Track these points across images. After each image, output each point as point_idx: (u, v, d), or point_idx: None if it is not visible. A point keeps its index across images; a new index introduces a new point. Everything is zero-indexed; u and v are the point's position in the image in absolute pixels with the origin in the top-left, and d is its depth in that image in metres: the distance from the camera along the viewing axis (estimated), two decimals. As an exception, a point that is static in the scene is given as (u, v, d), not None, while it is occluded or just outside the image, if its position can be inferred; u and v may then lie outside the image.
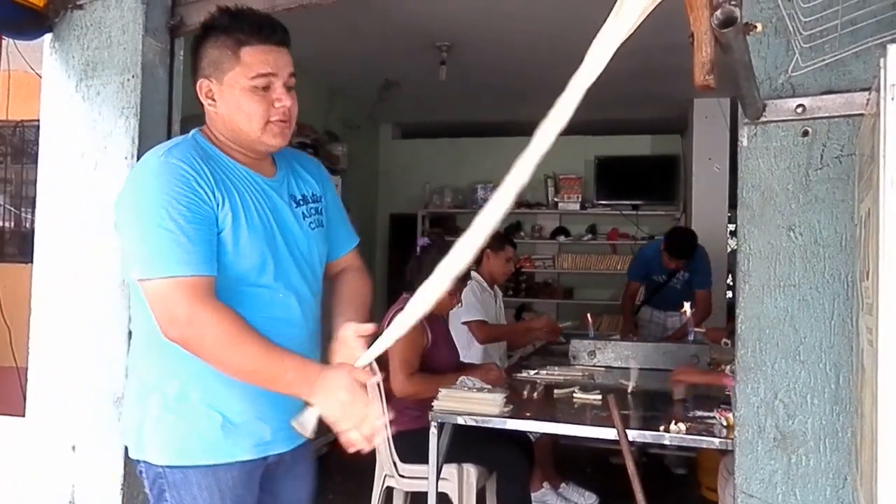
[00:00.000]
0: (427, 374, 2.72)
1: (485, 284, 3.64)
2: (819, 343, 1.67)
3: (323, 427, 1.32)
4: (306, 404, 1.32)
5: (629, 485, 2.07)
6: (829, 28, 1.60)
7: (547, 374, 3.09)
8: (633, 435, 2.15)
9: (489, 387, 2.52)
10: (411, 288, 2.95)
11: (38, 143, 2.43)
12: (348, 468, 3.51)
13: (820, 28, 1.60)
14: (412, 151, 6.92)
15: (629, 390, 2.75)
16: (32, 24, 2.35)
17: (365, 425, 1.28)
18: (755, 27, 1.18)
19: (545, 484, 3.48)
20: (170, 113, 2.38)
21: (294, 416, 1.40)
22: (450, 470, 2.66)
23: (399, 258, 5.52)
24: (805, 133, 1.69)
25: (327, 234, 1.56)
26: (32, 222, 2.53)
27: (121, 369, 2.20)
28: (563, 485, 3.55)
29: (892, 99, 1.04)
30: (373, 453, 2.88)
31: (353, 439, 1.29)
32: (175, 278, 1.26)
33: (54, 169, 2.38)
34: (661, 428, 2.15)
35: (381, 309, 3.03)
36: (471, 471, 2.71)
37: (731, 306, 4.64)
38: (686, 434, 2.12)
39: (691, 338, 3.64)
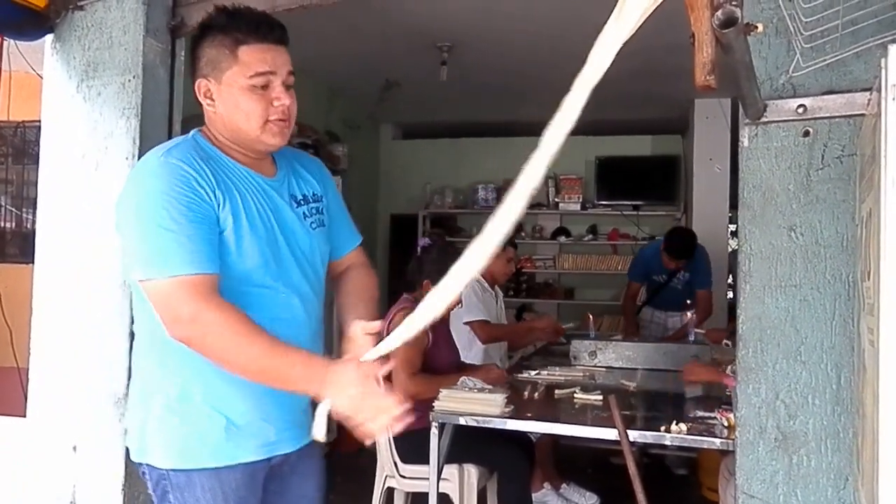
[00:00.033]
0: (428, 375, 2.72)
1: (486, 285, 3.64)
2: (820, 343, 1.66)
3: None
4: (313, 405, 1.31)
5: (630, 485, 2.07)
6: (830, 28, 1.60)
7: (548, 374, 3.09)
8: (633, 435, 2.15)
9: (490, 387, 2.52)
10: (412, 288, 2.97)
11: (39, 144, 2.44)
12: (349, 469, 3.51)
13: (821, 28, 1.60)
14: (413, 152, 6.92)
15: (631, 390, 2.75)
16: (33, 25, 2.35)
17: (380, 417, 1.26)
18: (756, 27, 1.17)
19: (546, 484, 3.48)
20: (171, 113, 2.38)
21: (298, 416, 1.40)
22: (451, 470, 2.66)
23: (400, 259, 5.53)
24: (806, 133, 1.69)
25: (330, 234, 1.56)
26: (33, 223, 2.54)
27: (122, 370, 2.20)
28: (563, 485, 3.55)
29: (893, 99, 1.04)
30: (374, 454, 2.89)
31: (369, 431, 1.27)
32: (178, 277, 1.26)
33: (55, 169, 2.38)
34: (662, 428, 2.15)
35: (381, 310, 3.02)
36: (472, 471, 2.71)
37: (731, 306, 4.65)
38: (687, 434, 2.11)
39: (692, 338, 3.64)
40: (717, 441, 2.10)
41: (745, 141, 1.75)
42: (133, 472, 2.17)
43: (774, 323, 1.70)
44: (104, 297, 2.25)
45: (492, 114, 6.16)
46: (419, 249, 3.04)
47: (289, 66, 1.41)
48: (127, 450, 1.50)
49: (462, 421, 2.34)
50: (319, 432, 1.31)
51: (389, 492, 2.83)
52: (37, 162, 2.45)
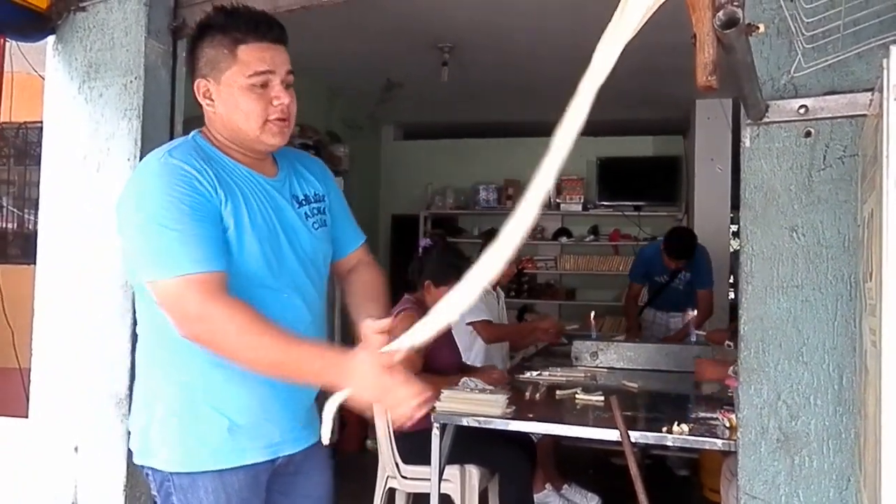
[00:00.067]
0: (429, 375, 2.72)
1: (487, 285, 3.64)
2: (822, 344, 1.66)
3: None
4: (318, 404, 1.30)
5: (631, 486, 2.07)
6: (832, 28, 1.59)
7: (549, 375, 3.08)
8: (635, 436, 2.14)
9: (491, 388, 2.52)
10: (413, 289, 2.97)
11: (40, 145, 2.44)
12: (351, 469, 3.51)
13: (822, 29, 1.60)
14: (414, 152, 6.92)
15: (632, 391, 2.75)
16: (35, 26, 2.36)
17: (405, 403, 1.25)
18: (757, 28, 1.17)
19: (547, 485, 3.48)
20: (172, 114, 2.38)
21: (303, 415, 1.39)
22: (452, 471, 2.66)
23: (401, 259, 5.51)
24: (808, 134, 1.68)
25: (333, 234, 1.56)
26: (35, 224, 2.54)
27: (123, 370, 2.20)
28: (565, 486, 3.55)
29: (895, 99, 1.04)
30: (375, 454, 2.89)
31: (398, 416, 1.27)
32: (184, 277, 1.25)
33: (57, 171, 2.38)
34: (664, 429, 2.14)
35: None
36: (473, 472, 2.71)
37: (733, 307, 4.63)
38: (689, 435, 2.11)
39: (693, 339, 3.64)
40: (719, 442, 2.10)
41: (746, 141, 1.74)
42: (134, 473, 2.17)
43: (776, 323, 1.70)
44: (106, 297, 2.26)
45: (493, 114, 6.15)
46: (420, 250, 3.04)
47: (288, 65, 1.40)
48: (129, 451, 1.50)
49: (464, 422, 2.34)
50: (326, 434, 1.31)
51: (391, 492, 2.82)
52: (38, 163, 2.45)
